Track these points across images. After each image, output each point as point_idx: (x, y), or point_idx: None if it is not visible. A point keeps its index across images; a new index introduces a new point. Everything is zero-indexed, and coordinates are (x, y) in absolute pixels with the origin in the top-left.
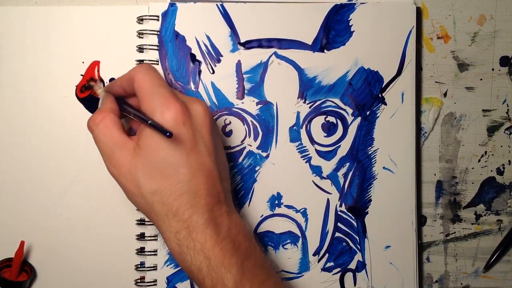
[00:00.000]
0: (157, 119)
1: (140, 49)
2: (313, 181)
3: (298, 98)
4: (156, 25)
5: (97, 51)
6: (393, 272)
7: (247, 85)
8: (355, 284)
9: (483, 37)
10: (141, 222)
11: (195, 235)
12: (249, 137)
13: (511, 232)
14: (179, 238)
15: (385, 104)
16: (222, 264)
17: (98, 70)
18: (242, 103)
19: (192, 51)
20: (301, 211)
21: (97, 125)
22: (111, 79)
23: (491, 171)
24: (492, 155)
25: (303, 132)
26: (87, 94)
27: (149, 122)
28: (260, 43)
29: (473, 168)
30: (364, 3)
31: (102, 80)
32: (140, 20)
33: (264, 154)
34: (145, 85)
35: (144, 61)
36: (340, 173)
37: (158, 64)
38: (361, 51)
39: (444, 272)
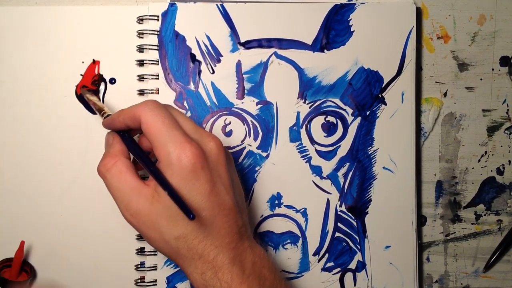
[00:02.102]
0: (174, 166)
1: (140, 49)
2: (313, 181)
3: (298, 98)
4: (156, 25)
5: (97, 51)
6: (393, 272)
7: (247, 85)
8: (355, 284)
9: (483, 37)
10: None
11: (221, 275)
12: (249, 137)
13: (511, 232)
14: (205, 279)
15: (385, 104)
16: None
17: (98, 70)
18: (242, 103)
19: (192, 51)
20: (301, 211)
21: (109, 171)
22: (112, 79)
23: (491, 171)
24: (492, 155)
25: (303, 132)
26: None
27: (169, 193)
28: (260, 43)
29: (473, 168)
30: (364, 3)
31: (103, 78)
32: (140, 20)
33: (264, 154)
34: (156, 129)
35: (144, 61)
36: (340, 173)
37: (158, 64)
38: (361, 51)
39: (444, 272)
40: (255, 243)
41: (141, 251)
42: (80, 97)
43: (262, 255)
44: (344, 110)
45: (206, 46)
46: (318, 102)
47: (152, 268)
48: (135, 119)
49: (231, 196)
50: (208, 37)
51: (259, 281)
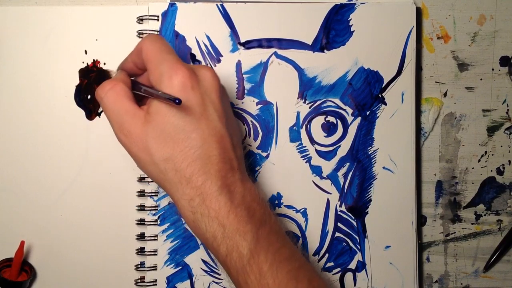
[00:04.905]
0: (164, 85)
1: None
2: (313, 181)
3: (298, 98)
4: (156, 25)
5: (97, 51)
6: (393, 272)
7: (247, 85)
8: (355, 284)
9: (483, 37)
10: (141, 222)
11: (209, 202)
12: (249, 137)
13: (511, 232)
14: (193, 206)
15: (385, 104)
16: (237, 231)
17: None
18: (242, 103)
19: (192, 51)
20: (301, 211)
21: (107, 93)
22: None
23: (491, 171)
24: (492, 155)
25: (303, 132)
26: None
27: (159, 93)
28: (260, 43)
29: (473, 168)
30: (364, 3)
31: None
32: (140, 20)
33: (264, 154)
34: (152, 53)
35: None
36: (340, 173)
37: None
38: (361, 51)
39: (444, 272)
40: (247, 178)
41: (141, 251)
42: (79, 102)
43: (253, 190)
44: (344, 110)
45: (206, 46)
46: (318, 102)
47: (152, 268)
48: (139, 53)
49: (223, 124)
50: (208, 37)
51: (247, 212)
